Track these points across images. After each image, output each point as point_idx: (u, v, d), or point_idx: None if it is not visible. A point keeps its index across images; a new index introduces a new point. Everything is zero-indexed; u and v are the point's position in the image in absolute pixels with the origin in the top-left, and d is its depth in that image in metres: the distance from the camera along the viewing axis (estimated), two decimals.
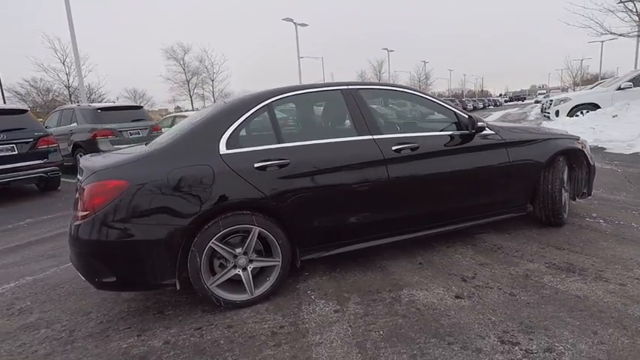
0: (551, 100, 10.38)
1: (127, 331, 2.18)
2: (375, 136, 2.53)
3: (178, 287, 2.20)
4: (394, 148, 2.52)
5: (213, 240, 2.16)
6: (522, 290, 2.24)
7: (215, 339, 2.02)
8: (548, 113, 10.04)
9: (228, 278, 2.27)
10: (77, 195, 2.24)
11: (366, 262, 2.78)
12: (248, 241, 2.25)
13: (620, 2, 22.70)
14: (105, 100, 29.58)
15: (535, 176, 2.96)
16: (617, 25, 8.77)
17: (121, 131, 8.06)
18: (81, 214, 2.09)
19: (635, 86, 8.54)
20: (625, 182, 4.43)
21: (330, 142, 2.46)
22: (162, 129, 9.31)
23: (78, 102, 10.78)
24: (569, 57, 68.56)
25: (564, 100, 9.57)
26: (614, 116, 7.18)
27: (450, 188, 2.73)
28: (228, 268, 2.26)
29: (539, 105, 28.93)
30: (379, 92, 2.77)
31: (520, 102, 68.65)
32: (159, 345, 2.01)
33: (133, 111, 8.58)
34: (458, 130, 2.80)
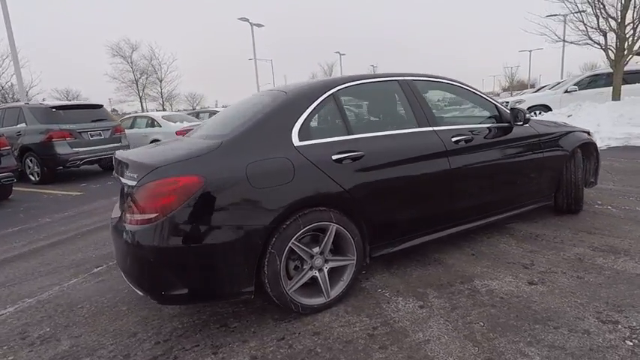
0: (507, 102, 11.26)
1: (197, 349, 1.91)
2: (434, 128, 2.51)
3: (252, 296, 1.98)
4: (453, 139, 2.52)
5: (292, 240, 1.98)
6: (586, 273, 2.35)
7: (309, 348, 1.84)
8: None
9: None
10: (128, 195, 1.92)
11: (419, 257, 2.74)
12: (325, 239, 2.10)
13: (548, 16, 25.16)
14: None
15: (561, 167, 3.14)
16: (569, 33, 9.76)
17: (80, 132, 7.24)
18: (141, 217, 1.80)
19: (579, 89, 9.60)
20: (606, 173, 4.90)
21: (399, 134, 2.39)
22: (125, 130, 8.57)
23: (27, 101, 9.51)
24: (507, 64, 75.60)
25: (519, 102, 10.45)
26: (569, 116, 7.98)
27: (498, 179, 2.80)
28: (306, 270, 2.09)
29: None
30: (431, 84, 2.76)
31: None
32: None
33: (92, 110, 7.75)
34: (498, 122, 2.88)
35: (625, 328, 1.80)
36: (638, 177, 4.64)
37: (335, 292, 2.17)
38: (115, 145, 7.95)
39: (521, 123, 2.80)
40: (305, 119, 2.14)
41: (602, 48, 8.68)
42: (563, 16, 26.92)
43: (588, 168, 3.57)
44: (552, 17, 10.39)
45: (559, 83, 11.29)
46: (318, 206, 2.06)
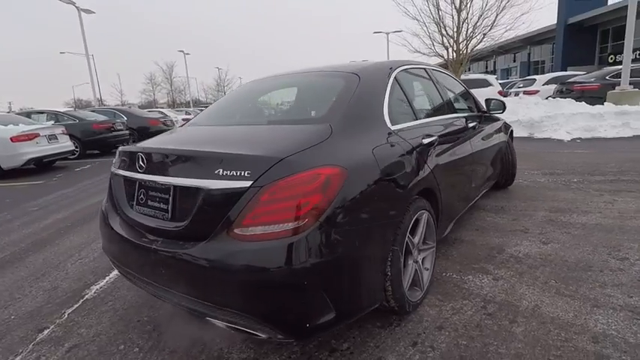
0: None
1: None
2: (458, 115, 2.69)
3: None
4: (470, 125, 2.76)
5: (407, 233, 1.81)
6: (568, 229, 2.94)
7: (452, 343, 1.73)
8: None
9: None
10: (218, 201, 1.36)
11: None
12: (422, 228, 1.99)
13: (375, 33, 29.23)
14: None
15: (505, 148, 3.83)
16: (419, 46, 11.83)
17: None
18: (277, 227, 1.31)
19: None
20: None
21: (450, 118, 2.47)
22: None
23: None
24: None
25: None
26: None
27: (489, 160, 3.21)
28: (411, 264, 1.93)
29: None
30: (440, 74, 2.90)
31: None
32: None
33: None
34: (478, 111, 3.30)
35: (634, 259, 2.36)
36: None
37: (426, 283, 2.08)
38: None
39: (502, 111, 3.30)
40: (388, 102, 1.97)
41: (444, 59, 10.98)
42: (386, 33, 31.56)
43: None
44: (409, 32, 12.36)
45: None
46: (418, 194, 1.94)
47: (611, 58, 26.47)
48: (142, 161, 1.62)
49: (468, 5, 9.90)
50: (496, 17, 10.01)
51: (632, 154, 5.70)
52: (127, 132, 10.71)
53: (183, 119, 16.71)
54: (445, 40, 10.53)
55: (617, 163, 5.09)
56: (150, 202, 1.65)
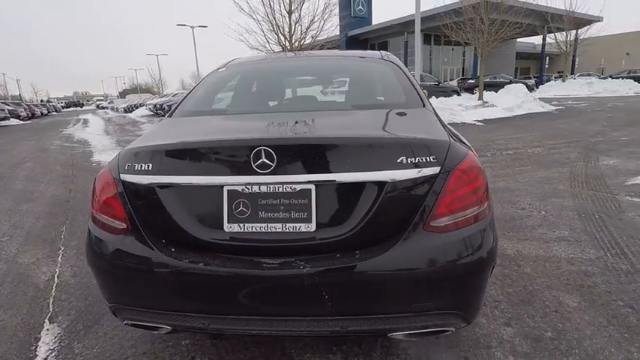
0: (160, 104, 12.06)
1: None
2: None
3: None
4: None
5: None
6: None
7: (504, 293, 2.05)
8: None
9: None
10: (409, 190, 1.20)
11: None
12: None
13: (178, 25, 27.34)
14: None
15: None
16: (256, 45, 11.76)
17: None
18: (469, 212, 1.27)
19: None
20: None
21: None
22: None
23: None
24: (131, 66, 73.86)
25: None
26: None
27: None
28: None
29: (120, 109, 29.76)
30: None
31: (79, 108, 68.29)
32: None
33: None
34: None
35: (529, 208, 3.34)
36: None
37: None
38: None
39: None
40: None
41: None
42: (191, 27, 30.24)
43: None
44: (245, 28, 12.10)
45: None
46: None
47: None
48: (269, 158, 1.15)
49: (299, 8, 10.75)
50: (322, 23, 11.32)
51: None
52: None
53: None
54: (281, 40, 11.07)
55: None
56: (263, 214, 1.21)
